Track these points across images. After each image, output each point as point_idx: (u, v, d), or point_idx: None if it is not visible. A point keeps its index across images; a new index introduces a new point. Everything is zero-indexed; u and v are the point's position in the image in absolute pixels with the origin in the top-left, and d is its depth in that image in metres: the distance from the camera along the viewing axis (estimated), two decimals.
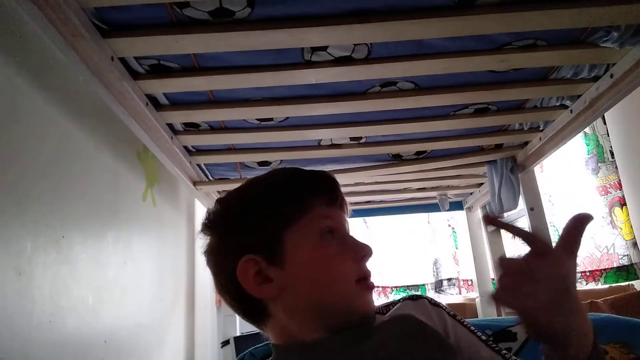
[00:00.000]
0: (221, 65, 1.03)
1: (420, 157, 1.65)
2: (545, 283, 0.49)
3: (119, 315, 1.11)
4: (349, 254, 0.62)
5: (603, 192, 2.31)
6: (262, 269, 0.60)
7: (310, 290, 0.60)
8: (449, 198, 2.21)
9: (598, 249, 2.30)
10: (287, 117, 1.29)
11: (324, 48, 0.97)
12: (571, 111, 1.28)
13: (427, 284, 2.70)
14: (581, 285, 2.26)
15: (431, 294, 2.67)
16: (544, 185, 2.38)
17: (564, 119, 1.33)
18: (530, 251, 0.53)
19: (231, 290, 0.63)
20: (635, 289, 2.16)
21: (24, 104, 0.80)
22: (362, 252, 0.63)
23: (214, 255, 0.65)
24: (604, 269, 2.27)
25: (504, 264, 0.53)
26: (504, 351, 0.66)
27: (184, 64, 1.02)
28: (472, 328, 0.69)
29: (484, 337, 0.68)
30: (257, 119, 1.29)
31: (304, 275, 0.60)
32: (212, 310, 2.05)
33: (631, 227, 2.20)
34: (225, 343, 1.93)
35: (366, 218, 2.68)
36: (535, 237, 0.53)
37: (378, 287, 2.68)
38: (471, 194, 2.20)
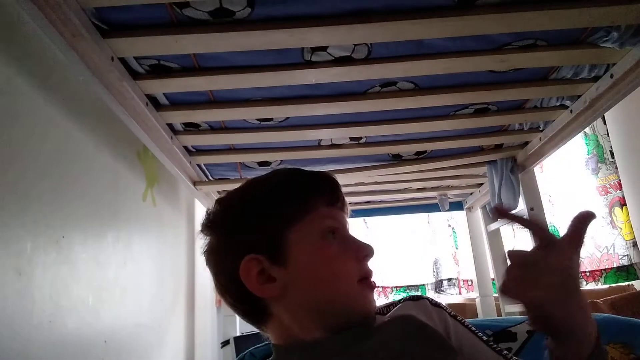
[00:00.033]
0: (221, 65, 1.03)
1: (420, 157, 1.65)
2: (550, 275, 0.51)
3: (119, 315, 1.11)
4: (351, 254, 0.63)
5: (603, 192, 2.31)
6: (265, 269, 0.60)
7: (313, 290, 0.60)
8: (449, 198, 2.21)
9: (598, 249, 2.30)
10: (287, 117, 1.29)
11: (324, 48, 0.97)
12: (571, 111, 1.28)
13: (427, 284, 2.70)
14: (581, 285, 2.26)
15: (431, 294, 2.67)
16: (544, 185, 2.38)
17: (564, 119, 1.33)
18: (537, 243, 0.54)
19: (232, 290, 0.63)
20: (635, 289, 2.17)
21: (24, 104, 0.80)
22: (364, 252, 0.64)
23: (214, 255, 0.65)
24: (604, 269, 2.27)
25: (512, 256, 0.54)
26: (505, 351, 0.66)
27: (184, 64, 1.02)
28: (473, 328, 0.69)
29: (484, 338, 0.68)
30: (257, 119, 1.29)
31: (307, 275, 0.60)
32: (212, 310, 2.05)
33: (631, 227, 2.20)
34: (225, 343, 1.93)
35: (366, 218, 2.68)
36: (542, 229, 0.54)
37: (378, 287, 2.68)
38: (471, 194, 2.20)
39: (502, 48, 1.02)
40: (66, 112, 0.94)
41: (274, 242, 0.61)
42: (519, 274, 0.52)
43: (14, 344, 0.73)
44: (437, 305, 0.71)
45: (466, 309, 2.33)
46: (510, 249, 0.55)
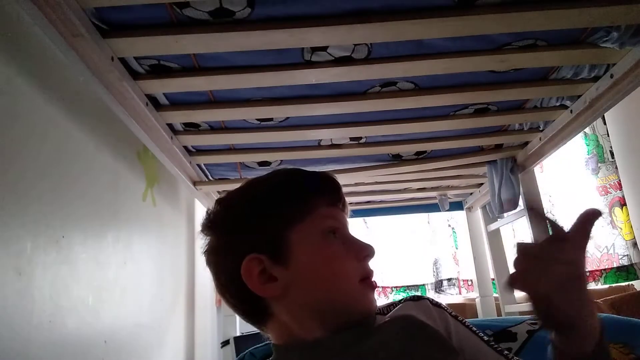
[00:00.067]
0: (221, 65, 1.03)
1: (420, 157, 1.65)
2: (560, 268, 0.51)
3: (119, 315, 1.11)
4: (352, 254, 0.63)
5: (603, 192, 2.31)
6: (267, 268, 0.61)
7: (315, 289, 0.60)
8: (449, 198, 2.21)
9: (598, 249, 2.30)
10: (287, 117, 1.29)
11: (324, 48, 0.97)
12: (571, 111, 1.28)
13: (427, 284, 2.70)
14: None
15: (431, 294, 2.67)
16: (544, 185, 2.38)
17: (564, 119, 1.33)
18: (550, 236, 0.54)
19: (232, 289, 0.63)
20: (635, 289, 2.17)
21: (24, 104, 0.80)
22: (365, 251, 0.64)
23: (215, 255, 0.65)
24: (604, 269, 2.27)
25: (521, 248, 0.54)
26: (506, 351, 0.66)
27: (184, 64, 1.02)
28: (474, 329, 0.69)
29: (485, 338, 0.68)
30: (257, 119, 1.29)
31: (309, 275, 0.61)
32: (212, 310, 2.05)
33: (631, 227, 2.20)
34: (225, 343, 1.93)
35: (366, 218, 2.68)
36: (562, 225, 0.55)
37: (378, 287, 2.68)
38: (471, 194, 2.20)
39: (502, 48, 1.02)
40: (66, 112, 0.94)
41: (275, 242, 0.61)
42: (528, 266, 0.53)
43: (14, 344, 0.73)
44: (437, 305, 0.71)
45: (466, 309, 2.33)
46: (519, 241, 0.55)
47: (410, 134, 1.45)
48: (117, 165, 1.17)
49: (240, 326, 2.00)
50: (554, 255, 0.52)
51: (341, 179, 0.69)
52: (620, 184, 2.26)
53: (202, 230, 0.66)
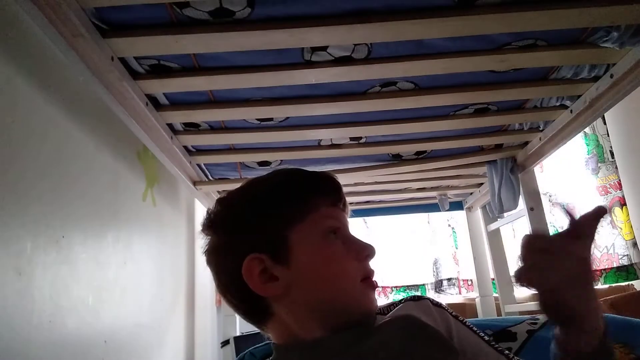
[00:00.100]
0: (221, 65, 1.03)
1: (420, 157, 1.65)
2: (568, 263, 0.51)
3: (119, 315, 1.11)
4: (353, 254, 0.63)
5: (603, 192, 2.31)
6: (268, 268, 0.61)
7: (316, 289, 0.60)
8: (449, 198, 2.21)
9: (598, 249, 2.30)
10: (287, 117, 1.29)
11: (324, 48, 0.97)
12: (571, 111, 1.29)
13: (427, 284, 2.70)
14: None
15: (431, 294, 2.67)
16: (544, 185, 2.38)
17: (564, 119, 1.33)
18: (563, 231, 0.54)
19: (233, 289, 0.63)
20: (635, 289, 2.17)
21: (24, 104, 0.80)
22: (366, 251, 0.64)
23: (215, 255, 0.65)
24: (604, 269, 2.27)
25: (529, 242, 0.54)
26: (506, 351, 0.66)
27: (184, 64, 1.02)
28: (475, 329, 0.69)
29: (486, 338, 0.68)
30: (257, 119, 1.29)
31: (310, 274, 0.61)
32: (212, 310, 2.05)
33: (631, 227, 2.20)
34: (225, 343, 1.93)
35: (366, 218, 2.68)
36: (582, 222, 0.54)
37: (378, 286, 2.68)
38: (471, 194, 2.20)
39: (502, 48, 1.02)
40: (66, 112, 0.94)
41: (276, 241, 0.61)
42: (536, 260, 0.53)
43: (14, 344, 0.73)
44: (438, 305, 0.71)
45: (466, 308, 2.33)
46: (529, 233, 0.55)
47: (410, 134, 1.45)
48: (117, 165, 1.17)
49: (240, 326, 2.00)
50: (565, 250, 0.51)
51: (341, 179, 0.69)
52: (620, 184, 2.26)
53: (203, 230, 0.66)
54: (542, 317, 0.95)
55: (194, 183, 1.67)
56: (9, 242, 0.73)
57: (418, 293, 2.62)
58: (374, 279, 0.64)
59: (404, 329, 0.62)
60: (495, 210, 1.75)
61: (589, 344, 0.53)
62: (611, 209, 2.27)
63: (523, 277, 0.53)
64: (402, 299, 0.73)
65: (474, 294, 2.39)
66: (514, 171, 1.67)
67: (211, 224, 0.66)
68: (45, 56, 0.87)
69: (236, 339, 1.89)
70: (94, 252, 1.00)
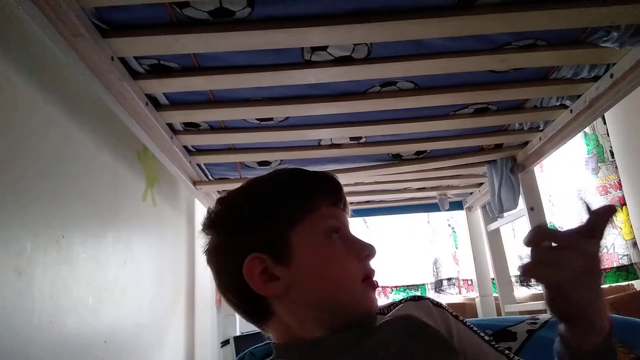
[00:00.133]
0: (221, 65, 1.03)
1: (420, 157, 1.65)
2: (578, 260, 0.50)
3: (119, 315, 1.11)
4: (354, 254, 0.63)
5: (603, 192, 2.31)
6: (268, 267, 0.61)
7: (316, 289, 0.61)
8: (449, 198, 2.21)
9: (605, 248, 2.30)
10: (287, 117, 1.29)
11: (324, 48, 0.97)
12: (571, 111, 1.29)
13: (427, 284, 2.70)
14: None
15: (431, 293, 2.67)
16: (544, 185, 2.38)
17: (564, 119, 1.33)
18: (577, 228, 0.52)
19: (233, 288, 0.63)
20: (635, 289, 2.17)
21: (24, 104, 0.80)
22: (367, 251, 0.64)
23: (216, 254, 0.65)
24: (604, 269, 2.27)
25: (538, 236, 0.52)
26: (507, 351, 0.66)
27: (184, 64, 1.02)
28: (475, 328, 0.69)
29: (486, 338, 0.68)
30: (257, 119, 1.29)
31: (311, 274, 0.61)
32: (212, 310, 2.05)
33: (631, 227, 2.20)
34: (225, 343, 1.93)
35: (366, 218, 2.68)
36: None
37: (379, 286, 2.68)
38: (471, 193, 2.20)
39: (502, 48, 1.02)
40: (66, 112, 0.94)
41: (276, 241, 0.61)
42: (546, 254, 0.51)
43: (14, 344, 0.73)
44: (438, 305, 0.71)
45: (466, 308, 2.33)
46: (537, 226, 0.53)
47: (410, 134, 1.45)
48: (117, 165, 1.17)
49: (240, 326, 2.00)
50: (576, 247, 0.50)
51: (341, 179, 0.69)
52: (620, 184, 2.26)
53: (203, 230, 0.66)
54: (542, 317, 0.95)
55: (194, 183, 1.67)
56: (9, 242, 0.73)
57: (418, 293, 2.62)
58: (374, 278, 0.64)
59: (404, 329, 0.62)
60: (495, 210, 1.75)
61: (593, 342, 0.52)
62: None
63: (530, 273, 0.51)
64: (402, 299, 0.73)
65: (474, 294, 2.39)
66: (514, 171, 1.67)
67: (212, 224, 0.66)
68: (45, 56, 0.87)
69: (236, 338, 1.89)
70: (94, 252, 1.00)
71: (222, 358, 1.95)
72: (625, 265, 2.21)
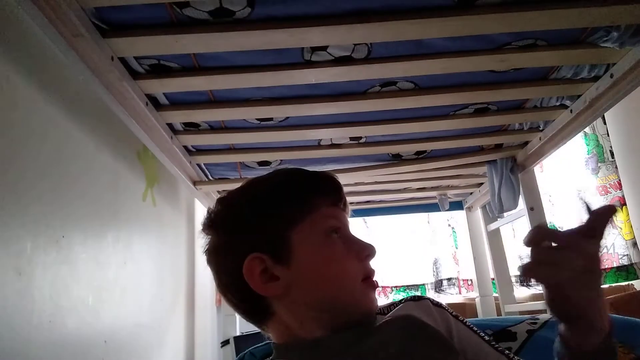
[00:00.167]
0: (221, 65, 1.03)
1: (420, 157, 1.65)
2: (579, 260, 0.50)
3: (119, 315, 1.11)
4: (354, 254, 0.63)
5: (603, 192, 2.31)
6: (268, 267, 0.61)
7: (316, 289, 0.61)
8: (449, 198, 2.21)
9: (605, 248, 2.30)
10: (287, 117, 1.29)
11: (324, 48, 0.97)
12: (571, 111, 1.29)
13: (427, 284, 2.70)
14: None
15: (431, 293, 2.67)
16: (544, 185, 2.38)
17: (564, 118, 1.33)
18: (578, 228, 0.52)
19: (233, 288, 0.63)
20: (635, 289, 2.17)
21: (24, 104, 0.80)
22: (367, 251, 0.64)
23: (216, 254, 0.65)
24: (604, 269, 2.27)
25: (538, 236, 0.52)
26: (507, 351, 0.66)
27: (184, 64, 1.02)
28: (475, 328, 0.69)
29: (486, 338, 0.68)
30: (257, 119, 1.29)
31: (311, 274, 0.61)
32: (212, 310, 2.05)
33: (631, 227, 2.20)
34: (225, 343, 1.93)
35: (366, 218, 2.68)
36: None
37: (379, 286, 2.68)
38: (471, 193, 2.20)
39: (502, 48, 1.02)
40: (66, 112, 0.94)
41: (276, 241, 0.62)
42: (546, 254, 0.51)
43: (14, 344, 0.73)
44: (438, 305, 0.71)
45: (466, 308, 2.33)
46: (538, 225, 0.53)
47: (410, 134, 1.45)
48: (117, 165, 1.17)
49: (240, 326, 2.00)
50: (576, 247, 0.50)
51: (341, 179, 0.69)
52: (620, 184, 2.26)
53: (203, 230, 0.66)
54: (542, 317, 0.95)
55: (194, 183, 1.67)
56: (9, 242, 0.73)
57: (418, 293, 2.62)
58: (374, 278, 0.64)
59: (404, 329, 0.62)
60: (495, 210, 1.75)
61: (593, 342, 0.52)
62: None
63: (530, 273, 0.51)
64: (402, 299, 0.73)
65: (474, 294, 2.39)
66: (514, 171, 1.67)
67: (212, 224, 0.66)
68: (45, 56, 0.87)
69: (236, 338, 1.89)
70: (94, 252, 1.00)
71: (222, 358, 1.95)
72: (625, 265, 2.21)
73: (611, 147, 2.32)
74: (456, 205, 2.34)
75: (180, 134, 1.35)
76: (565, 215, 2.42)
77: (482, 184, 2.04)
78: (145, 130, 1.18)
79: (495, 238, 2.17)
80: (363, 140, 1.48)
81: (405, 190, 2.07)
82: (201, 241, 0.67)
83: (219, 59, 1.00)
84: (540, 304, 1.76)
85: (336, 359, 0.58)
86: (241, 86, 1.10)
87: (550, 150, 1.51)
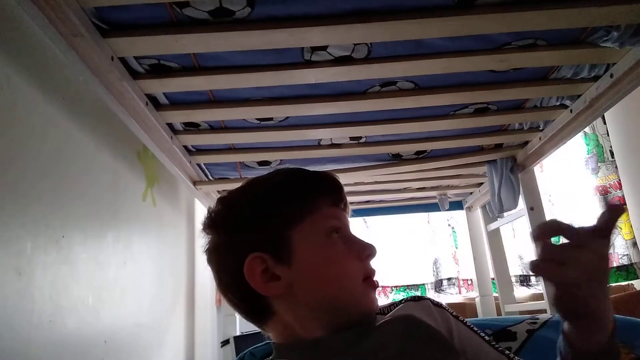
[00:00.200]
0: (221, 65, 1.03)
1: (420, 156, 1.65)
2: (590, 258, 0.49)
3: (119, 315, 1.11)
4: (355, 254, 0.63)
5: (603, 192, 2.31)
6: (269, 267, 0.61)
7: (317, 289, 0.61)
8: (449, 198, 2.21)
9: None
10: (287, 117, 1.29)
11: (324, 48, 0.97)
12: (571, 111, 1.29)
13: (427, 284, 2.70)
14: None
15: (431, 293, 2.67)
16: (544, 185, 2.38)
17: (563, 118, 1.33)
18: (592, 227, 0.51)
19: (234, 288, 0.63)
20: (635, 288, 2.17)
21: (23, 104, 0.80)
22: (367, 251, 0.64)
23: (216, 254, 0.65)
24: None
25: (551, 231, 0.51)
26: (507, 351, 0.66)
27: (184, 64, 1.02)
28: (475, 329, 0.69)
29: (487, 338, 0.68)
30: (257, 119, 1.29)
31: (312, 274, 0.61)
32: (212, 310, 2.05)
33: (631, 227, 2.20)
34: (225, 343, 1.93)
35: (366, 218, 2.68)
36: (614, 221, 0.51)
37: (379, 286, 2.67)
38: (471, 193, 2.20)
39: (502, 48, 1.02)
40: (66, 112, 0.94)
41: (277, 241, 0.62)
42: (559, 252, 0.50)
43: (14, 344, 0.73)
44: (439, 305, 0.71)
45: (466, 308, 2.33)
46: (551, 220, 0.51)
47: (410, 134, 1.45)
48: (117, 165, 1.17)
49: (240, 326, 2.00)
50: (589, 245, 0.49)
51: (341, 179, 0.69)
52: (620, 184, 2.26)
53: (204, 229, 0.66)
54: (542, 317, 0.95)
55: (194, 183, 1.67)
56: (9, 242, 0.73)
57: (418, 293, 2.62)
58: (374, 278, 0.65)
59: (404, 329, 0.62)
60: (495, 210, 1.75)
61: (599, 341, 0.52)
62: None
63: (541, 270, 0.50)
64: (402, 299, 0.73)
65: (474, 294, 2.39)
66: (514, 171, 1.67)
67: (212, 223, 0.66)
68: (45, 56, 0.87)
69: (236, 338, 1.89)
70: (94, 252, 1.00)
71: (222, 358, 1.95)
72: (625, 265, 2.21)
73: (611, 147, 2.32)
74: (456, 205, 2.34)
75: (180, 134, 1.35)
76: (565, 215, 2.42)
77: (482, 183, 2.04)
78: (145, 130, 1.18)
79: (495, 238, 2.17)
80: (363, 140, 1.48)
81: (405, 190, 2.07)
82: (201, 241, 0.67)
83: (218, 59, 1.00)
84: (540, 304, 1.76)
85: (336, 359, 0.58)
86: (241, 86, 1.10)
87: (550, 150, 1.51)
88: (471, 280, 2.60)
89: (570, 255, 0.49)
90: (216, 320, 2.07)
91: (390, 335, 0.61)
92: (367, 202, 2.22)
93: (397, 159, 1.65)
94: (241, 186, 0.68)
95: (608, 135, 2.33)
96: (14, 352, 0.73)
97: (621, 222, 2.23)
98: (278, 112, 1.24)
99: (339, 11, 0.87)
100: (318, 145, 1.50)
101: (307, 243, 0.62)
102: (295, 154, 1.53)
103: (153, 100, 1.15)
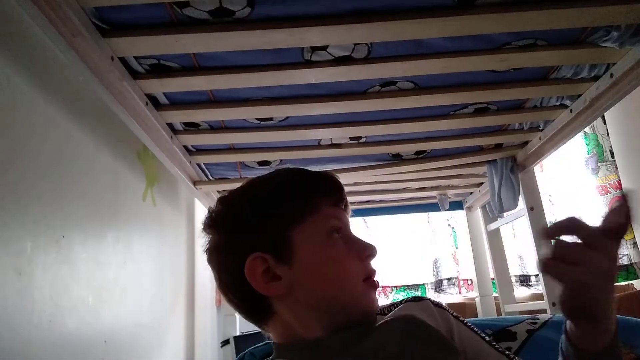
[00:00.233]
0: (221, 65, 1.03)
1: (420, 156, 1.65)
2: (603, 258, 0.48)
3: (119, 315, 1.11)
4: (355, 254, 0.63)
5: (603, 192, 2.31)
6: (270, 267, 0.61)
7: (318, 289, 0.61)
8: (449, 198, 2.21)
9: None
10: (287, 117, 1.29)
11: (323, 48, 0.97)
12: (571, 111, 1.29)
13: (427, 284, 2.70)
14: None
15: (431, 293, 2.67)
16: (544, 185, 2.39)
17: (563, 118, 1.33)
18: (605, 227, 0.50)
19: (234, 288, 0.63)
20: (635, 288, 2.17)
21: (23, 104, 0.80)
22: (368, 251, 0.64)
23: (217, 254, 0.65)
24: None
25: (566, 228, 0.50)
26: (507, 352, 0.66)
27: (183, 64, 1.02)
28: (475, 329, 0.69)
29: (487, 338, 0.68)
30: (257, 119, 1.29)
31: (313, 274, 0.61)
32: (212, 310, 2.05)
33: (631, 227, 2.20)
34: (225, 343, 1.93)
35: (366, 218, 2.68)
36: (627, 220, 0.50)
37: (379, 286, 2.67)
38: (471, 193, 2.20)
39: (502, 48, 1.02)
40: (66, 112, 0.94)
41: (278, 241, 0.62)
42: (571, 251, 0.49)
43: (14, 344, 0.73)
44: (439, 306, 0.71)
45: (466, 308, 2.33)
46: (572, 217, 0.50)
47: (410, 134, 1.45)
48: (117, 165, 1.17)
49: (240, 326, 2.00)
50: (601, 246, 0.48)
51: (341, 179, 0.69)
52: (620, 184, 2.26)
53: (204, 229, 0.66)
54: (542, 317, 0.95)
55: (194, 183, 1.67)
56: (9, 242, 0.73)
57: (418, 293, 2.62)
58: (375, 278, 0.65)
59: (404, 329, 0.62)
60: (495, 210, 1.75)
61: (604, 342, 0.52)
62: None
63: (552, 270, 0.49)
64: (402, 300, 0.73)
65: (474, 294, 2.39)
66: (514, 171, 1.67)
67: (212, 223, 0.66)
68: (45, 56, 0.87)
69: (236, 338, 1.89)
70: (94, 252, 1.00)
71: (222, 358, 1.95)
72: (625, 265, 2.21)
73: (611, 147, 2.32)
74: (456, 205, 2.34)
75: (180, 134, 1.35)
76: (565, 215, 2.42)
77: (482, 183, 2.04)
78: (145, 130, 1.18)
79: (495, 238, 2.17)
80: (363, 140, 1.48)
81: (405, 190, 2.07)
82: (202, 241, 0.67)
83: (218, 59, 1.00)
84: (540, 304, 1.76)
85: (336, 359, 0.58)
86: (241, 86, 1.10)
87: (550, 150, 1.51)
88: (471, 280, 2.60)
89: (582, 256, 0.48)
90: (216, 320, 2.07)
91: (390, 335, 0.61)
92: (367, 202, 2.22)
93: (397, 159, 1.65)
94: (241, 186, 0.68)
95: (608, 135, 2.33)
96: (14, 352, 0.73)
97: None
98: (278, 112, 1.24)
99: (338, 11, 0.87)
100: (318, 145, 1.50)
101: (308, 243, 0.62)
102: (295, 154, 1.53)
103: (153, 100, 1.15)
